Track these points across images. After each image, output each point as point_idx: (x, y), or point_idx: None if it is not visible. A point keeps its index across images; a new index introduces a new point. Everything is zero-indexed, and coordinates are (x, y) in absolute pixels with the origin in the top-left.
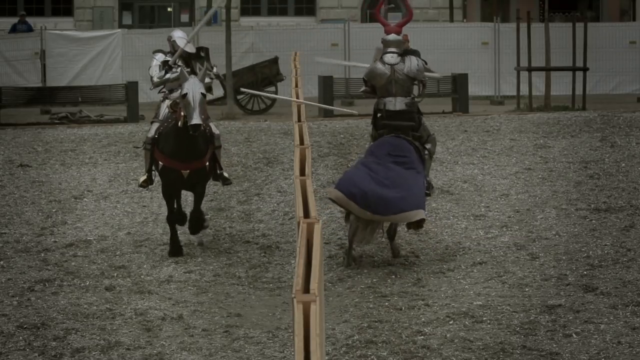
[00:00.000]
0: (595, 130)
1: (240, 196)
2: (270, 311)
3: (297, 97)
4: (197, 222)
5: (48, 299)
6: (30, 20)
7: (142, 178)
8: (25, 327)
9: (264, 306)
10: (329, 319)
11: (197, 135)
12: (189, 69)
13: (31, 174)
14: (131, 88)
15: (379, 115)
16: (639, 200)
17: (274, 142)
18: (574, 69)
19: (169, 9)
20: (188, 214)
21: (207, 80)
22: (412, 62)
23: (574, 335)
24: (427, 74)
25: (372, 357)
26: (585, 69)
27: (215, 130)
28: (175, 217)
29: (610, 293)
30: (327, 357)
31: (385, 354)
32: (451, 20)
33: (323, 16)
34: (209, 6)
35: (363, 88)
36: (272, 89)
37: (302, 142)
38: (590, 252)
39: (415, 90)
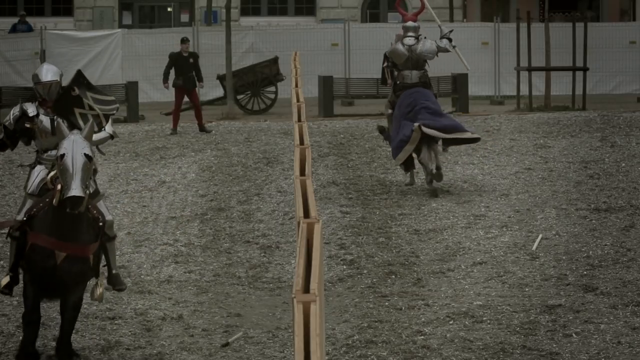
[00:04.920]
0: (595, 130)
1: (240, 196)
2: (270, 311)
3: (298, 98)
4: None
5: None
6: (30, 20)
7: (5, 281)
8: None
9: (264, 306)
10: (329, 319)
11: (77, 213)
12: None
13: None
14: (131, 88)
15: (398, 82)
16: (639, 200)
17: (274, 142)
18: (574, 69)
19: (169, 9)
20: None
21: (97, 135)
22: (425, 44)
23: (574, 335)
24: (442, 46)
25: (372, 357)
26: (585, 69)
27: (107, 216)
28: (31, 352)
29: (610, 293)
30: (327, 357)
31: (385, 354)
32: (451, 20)
33: (323, 16)
34: (209, 6)
35: (385, 63)
36: (272, 89)
37: (302, 142)
38: (590, 252)
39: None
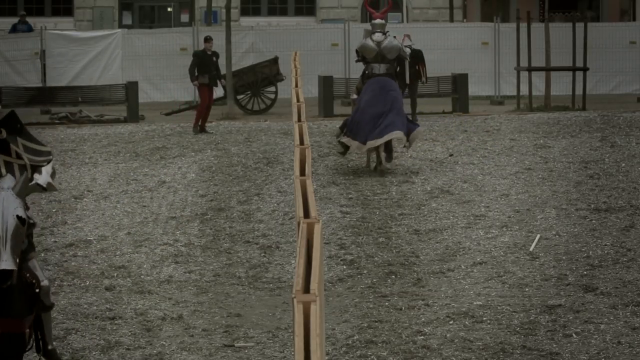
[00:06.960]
0: (595, 130)
1: (240, 196)
2: (270, 311)
3: (298, 98)
4: None
5: None
6: (30, 20)
7: None
8: None
9: (264, 306)
10: (329, 319)
11: (6, 287)
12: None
13: None
14: (131, 88)
15: (367, 72)
16: (639, 200)
17: (274, 142)
18: (574, 69)
19: (169, 9)
20: None
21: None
22: (391, 42)
23: (574, 335)
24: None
25: (372, 357)
26: (585, 69)
27: (43, 280)
28: None
29: (610, 293)
30: (327, 357)
31: (385, 354)
32: (451, 20)
33: (323, 16)
34: (209, 6)
35: (356, 58)
36: (272, 89)
37: (302, 142)
38: (590, 252)
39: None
